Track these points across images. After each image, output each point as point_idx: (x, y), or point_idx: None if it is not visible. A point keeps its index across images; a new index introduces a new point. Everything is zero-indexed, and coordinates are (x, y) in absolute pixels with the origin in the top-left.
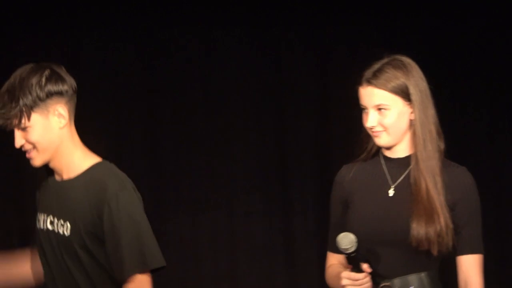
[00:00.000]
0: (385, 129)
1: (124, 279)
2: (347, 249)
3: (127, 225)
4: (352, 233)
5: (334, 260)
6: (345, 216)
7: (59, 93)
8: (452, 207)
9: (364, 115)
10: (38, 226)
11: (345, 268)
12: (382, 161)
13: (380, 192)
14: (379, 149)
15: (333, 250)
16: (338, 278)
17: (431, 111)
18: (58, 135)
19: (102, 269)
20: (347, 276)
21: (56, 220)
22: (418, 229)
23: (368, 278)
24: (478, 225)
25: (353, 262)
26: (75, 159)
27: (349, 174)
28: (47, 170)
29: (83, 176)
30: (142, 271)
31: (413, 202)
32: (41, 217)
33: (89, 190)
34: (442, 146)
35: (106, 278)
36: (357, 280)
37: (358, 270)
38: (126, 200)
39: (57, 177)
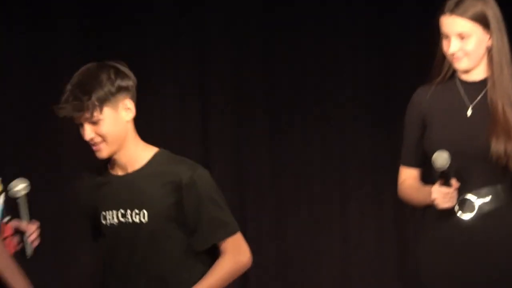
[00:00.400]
0: (466, 54)
1: (217, 248)
2: (442, 166)
3: (208, 202)
4: (445, 151)
5: (406, 174)
6: (420, 135)
7: (126, 88)
8: None
9: (445, 42)
10: (105, 223)
11: (418, 181)
12: (458, 84)
13: (459, 112)
14: (453, 73)
15: (406, 164)
16: (420, 191)
17: (506, 39)
18: (125, 128)
19: (180, 248)
20: (438, 190)
21: (129, 212)
22: (498, 145)
23: (455, 192)
24: None
25: (444, 177)
26: (138, 150)
27: (426, 96)
28: (90, 172)
29: (149, 166)
30: (230, 235)
31: (491, 121)
32: (108, 214)
33: (162, 178)
34: None
35: (183, 257)
36: (447, 193)
37: (448, 184)
38: (201, 180)
39: (119, 172)
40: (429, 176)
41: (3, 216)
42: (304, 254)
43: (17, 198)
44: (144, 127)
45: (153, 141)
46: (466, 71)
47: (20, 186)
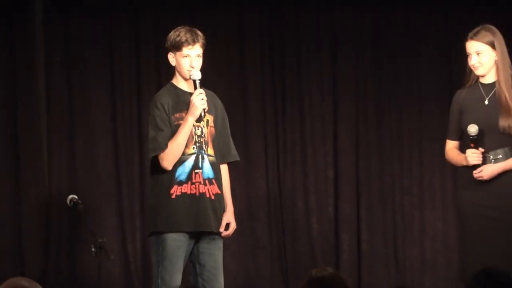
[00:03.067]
0: (481, 65)
1: None
2: (474, 134)
3: None
4: (475, 125)
5: (450, 145)
6: (459, 119)
7: None
8: None
9: (469, 59)
10: None
11: (457, 149)
12: (480, 86)
13: (480, 103)
14: (477, 79)
15: (451, 138)
16: (460, 155)
17: (506, 54)
18: None
19: None
20: (471, 152)
21: None
22: (502, 120)
23: (480, 154)
24: None
25: (474, 142)
26: None
27: (461, 95)
28: None
29: None
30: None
31: (499, 107)
32: None
33: None
34: None
35: None
36: (476, 153)
37: (477, 148)
38: None
39: None
40: (462, 148)
41: None
42: None
43: None
44: None
45: None
46: (483, 76)
47: None
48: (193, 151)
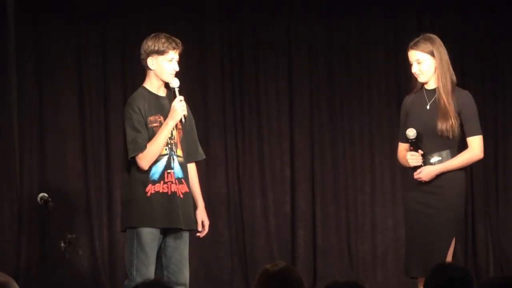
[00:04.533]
0: (422, 73)
1: None
2: (412, 137)
3: None
4: (413, 128)
5: (401, 147)
6: (406, 121)
7: None
8: (459, 112)
9: (411, 67)
10: None
11: (406, 151)
12: (424, 91)
13: (423, 107)
14: (422, 85)
15: (401, 140)
16: (405, 157)
17: (446, 62)
18: None
19: None
20: (410, 154)
21: None
22: (440, 124)
23: (420, 155)
24: (476, 119)
25: (414, 146)
26: None
27: (408, 100)
28: None
29: None
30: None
31: (438, 111)
32: None
33: None
34: (454, 78)
35: None
36: (415, 156)
37: (416, 150)
38: None
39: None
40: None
41: None
42: None
43: None
44: None
45: None
46: (425, 83)
47: None
48: (165, 152)
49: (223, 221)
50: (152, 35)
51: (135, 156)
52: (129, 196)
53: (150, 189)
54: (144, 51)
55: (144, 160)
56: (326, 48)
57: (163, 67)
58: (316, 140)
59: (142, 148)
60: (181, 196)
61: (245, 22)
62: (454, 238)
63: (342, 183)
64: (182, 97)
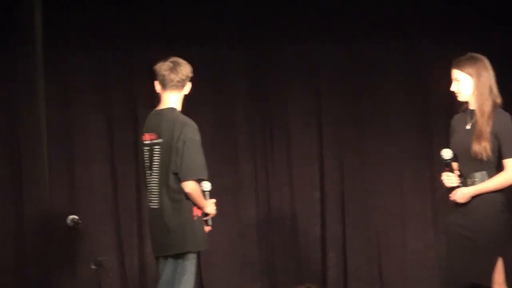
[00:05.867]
0: (460, 92)
1: None
2: (447, 158)
3: None
4: (449, 149)
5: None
6: (450, 140)
7: None
8: (496, 134)
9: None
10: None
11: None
12: (468, 111)
13: (464, 127)
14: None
15: None
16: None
17: (486, 84)
18: None
19: None
20: (446, 175)
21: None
22: (474, 146)
23: (456, 176)
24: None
25: (449, 166)
26: None
27: (455, 118)
28: None
29: None
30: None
31: (474, 132)
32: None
33: None
34: (498, 101)
35: None
36: (450, 177)
37: (451, 171)
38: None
39: None
40: None
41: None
42: None
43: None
44: None
45: None
46: (466, 102)
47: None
48: None
49: (253, 244)
50: (184, 61)
51: (196, 179)
52: (177, 220)
53: (195, 212)
54: (186, 76)
55: (195, 189)
56: (352, 72)
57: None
58: (346, 163)
59: (204, 176)
60: None
61: (271, 45)
62: (499, 260)
63: (371, 205)
64: (214, 200)
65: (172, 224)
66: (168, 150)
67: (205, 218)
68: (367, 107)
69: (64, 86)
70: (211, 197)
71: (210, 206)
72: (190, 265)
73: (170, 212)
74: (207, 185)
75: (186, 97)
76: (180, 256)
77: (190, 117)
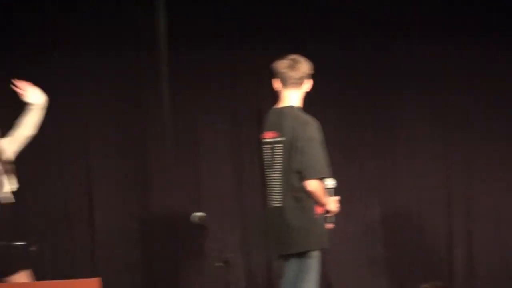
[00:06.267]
0: None
1: None
2: None
3: None
4: None
5: None
6: None
7: None
8: None
9: None
10: None
11: None
12: None
13: None
14: None
15: None
16: None
17: None
18: None
19: None
20: None
21: None
22: None
23: None
24: None
25: None
26: None
27: None
28: None
29: None
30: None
31: None
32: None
33: None
34: None
35: None
36: None
37: None
38: None
39: None
40: None
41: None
42: None
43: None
44: None
45: None
46: None
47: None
48: None
49: (378, 241)
50: (303, 58)
51: (319, 178)
52: (301, 219)
53: (317, 211)
54: (305, 73)
55: (317, 188)
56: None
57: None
58: (472, 161)
59: (326, 175)
60: None
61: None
62: None
63: (497, 201)
64: (338, 198)
65: (294, 223)
66: (290, 149)
67: (327, 216)
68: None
69: (189, 84)
70: (334, 195)
71: (332, 204)
72: (313, 263)
73: (293, 211)
74: (331, 182)
75: (311, 95)
76: (303, 254)
77: (315, 115)
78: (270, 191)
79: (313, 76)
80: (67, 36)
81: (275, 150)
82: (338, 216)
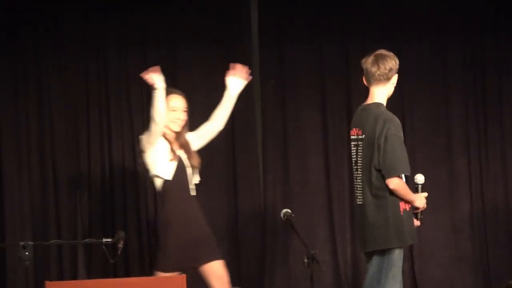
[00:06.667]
0: None
1: None
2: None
3: None
4: None
5: None
6: None
7: None
8: None
9: None
10: None
11: None
12: None
13: None
14: None
15: None
16: None
17: None
18: None
19: None
20: None
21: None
22: None
23: None
24: None
25: None
26: None
27: None
28: None
29: None
30: None
31: None
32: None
33: None
34: None
35: None
36: None
37: None
38: None
39: None
40: None
41: None
42: None
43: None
44: None
45: None
46: None
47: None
48: None
49: (467, 238)
50: (390, 54)
51: (398, 176)
52: (384, 216)
53: (402, 207)
54: (390, 69)
55: (399, 185)
56: None
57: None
58: None
59: (408, 172)
60: None
61: (488, 41)
62: None
63: None
64: (426, 194)
65: (375, 220)
66: (371, 146)
67: (414, 212)
68: None
69: (278, 82)
70: (423, 191)
71: (419, 200)
72: (396, 259)
73: (373, 209)
74: (420, 178)
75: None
76: (385, 251)
77: (402, 113)
78: (355, 189)
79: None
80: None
81: (358, 148)
82: (428, 212)
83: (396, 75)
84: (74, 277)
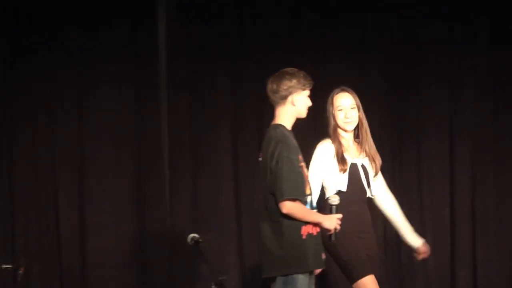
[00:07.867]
0: None
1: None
2: None
3: None
4: None
5: None
6: None
7: None
8: None
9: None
10: None
11: None
12: None
13: None
14: None
15: None
16: None
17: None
18: None
19: None
20: None
21: None
22: None
23: None
24: None
25: None
26: None
27: None
28: None
29: None
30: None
31: None
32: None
33: None
34: None
35: None
36: None
37: None
38: None
39: None
40: None
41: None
42: None
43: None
44: None
45: None
46: None
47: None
48: (309, 192)
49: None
50: (292, 72)
51: (290, 199)
52: (280, 241)
53: (304, 231)
54: (290, 88)
55: (293, 209)
56: (493, 86)
57: (305, 101)
58: (478, 178)
59: (300, 197)
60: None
61: (406, 56)
62: None
63: (506, 222)
64: (340, 216)
65: (271, 245)
66: (266, 170)
67: (328, 234)
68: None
69: (187, 103)
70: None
71: (329, 221)
72: (301, 285)
73: (269, 234)
74: (334, 199)
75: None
76: (288, 276)
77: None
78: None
79: None
80: None
81: (260, 171)
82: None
83: (301, 93)
84: None
